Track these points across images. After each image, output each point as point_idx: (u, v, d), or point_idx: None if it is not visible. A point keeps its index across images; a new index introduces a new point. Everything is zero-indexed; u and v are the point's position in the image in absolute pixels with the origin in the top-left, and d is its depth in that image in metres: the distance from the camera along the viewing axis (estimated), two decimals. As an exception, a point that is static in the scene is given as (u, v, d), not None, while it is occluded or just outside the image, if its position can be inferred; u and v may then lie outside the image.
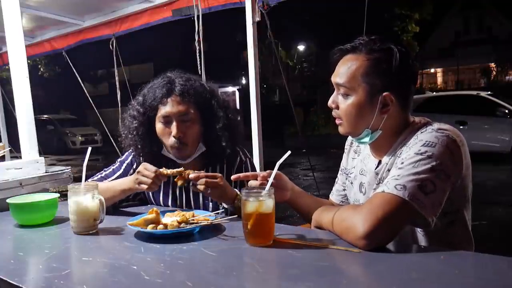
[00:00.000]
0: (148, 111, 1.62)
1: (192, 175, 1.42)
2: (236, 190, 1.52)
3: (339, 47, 1.29)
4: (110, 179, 1.70)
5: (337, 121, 1.31)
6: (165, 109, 1.58)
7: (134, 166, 1.73)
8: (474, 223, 1.31)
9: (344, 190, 1.53)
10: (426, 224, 1.08)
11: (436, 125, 1.19)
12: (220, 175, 1.46)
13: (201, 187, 1.41)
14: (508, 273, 0.90)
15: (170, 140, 1.58)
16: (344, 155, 1.55)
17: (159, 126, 1.61)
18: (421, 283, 0.87)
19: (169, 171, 1.45)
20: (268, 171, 1.35)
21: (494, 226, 4.33)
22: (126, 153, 1.77)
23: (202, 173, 1.44)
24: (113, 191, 1.55)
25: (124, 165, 1.75)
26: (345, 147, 1.55)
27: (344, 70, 1.25)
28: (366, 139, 1.29)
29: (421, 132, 1.18)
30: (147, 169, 1.45)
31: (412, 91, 1.27)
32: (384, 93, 1.21)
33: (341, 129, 1.32)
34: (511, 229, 4.35)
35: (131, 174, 1.71)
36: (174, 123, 1.57)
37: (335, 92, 1.30)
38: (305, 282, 0.88)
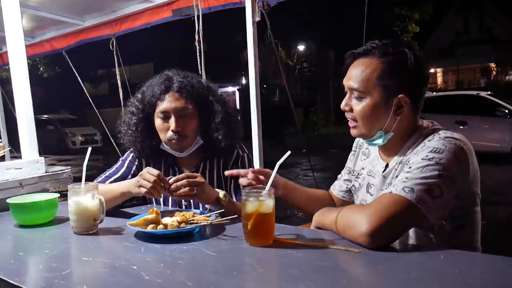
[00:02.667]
0: (147, 108, 1.66)
1: (173, 185, 1.39)
2: (217, 190, 1.51)
3: (351, 51, 1.30)
4: (114, 177, 1.71)
5: (351, 124, 1.32)
6: (163, 105, 1.61)
7: (137, 163, 1.75)
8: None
9: (347, 187, 1.56)
10: (430, 228, 1.09)
11: (443, 133, 1.20)
12: (200, 177, 1.43)
13: (182, 192, 1.40)
14: (508, 273, 0.90)
15: (168, 134, 1.62)
16: (352, 156, 1.56)
17: (158, 121, 1.65)
18: (421, 283, 0.87)
19: (173, 179, 1.42)
20: (258, 168, 1.35)
21: (494, 226, 4.33)
22: (128, 151, 1.79)
23: (184, 181, 1.39)
24: (113, 194, 1.53)
25: (127, 162, 1.76)
26: (353, 148, 1.56)
27: (357, 73, 1.26)
28: (379, 141, 1.29)
29: (429, 140, 1.19)
30: (149, 173, 1.42)
31: (424, 93, 1.29)
32: (399, 95, 1.22)
33: (354, 132, 1.32)
34: (511, 229, 4.35)
35: (134, 171, 1.73)
36: (173, 118, 1.61)
37: (347, 95, 1.31)
38: (305, 282, 0.88)
